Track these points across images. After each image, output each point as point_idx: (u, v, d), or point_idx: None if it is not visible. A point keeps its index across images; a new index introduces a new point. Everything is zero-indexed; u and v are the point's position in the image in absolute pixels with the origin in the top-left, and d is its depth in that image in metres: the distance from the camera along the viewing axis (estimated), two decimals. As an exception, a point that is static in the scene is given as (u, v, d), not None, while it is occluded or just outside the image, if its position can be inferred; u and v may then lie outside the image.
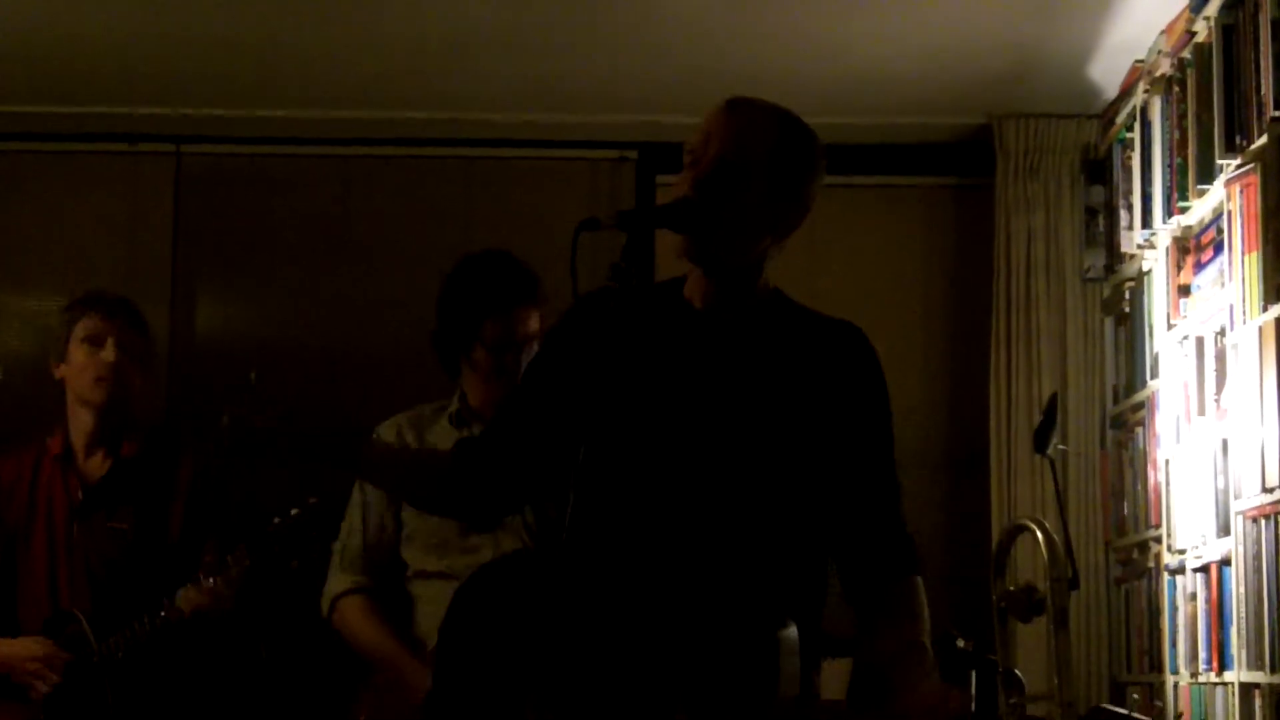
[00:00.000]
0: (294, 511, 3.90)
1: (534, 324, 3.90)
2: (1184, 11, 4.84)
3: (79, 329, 4.19)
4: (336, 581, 3.96)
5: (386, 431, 4.00)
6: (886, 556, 2.82)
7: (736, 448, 2.80)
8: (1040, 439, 4.09)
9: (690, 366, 2.88)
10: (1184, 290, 4.89)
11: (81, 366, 4.19)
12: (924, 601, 2.75)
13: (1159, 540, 5.04)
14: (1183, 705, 4.76)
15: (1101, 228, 5.77)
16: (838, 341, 2.90)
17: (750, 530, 2.77)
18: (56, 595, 4.15)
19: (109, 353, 4.16)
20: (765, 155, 2.84)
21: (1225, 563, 4.44)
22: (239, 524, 4.09)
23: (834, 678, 3.16)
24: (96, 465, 4.25)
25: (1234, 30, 4.45)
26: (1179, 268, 4.94)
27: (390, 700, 3.76)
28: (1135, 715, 2.96)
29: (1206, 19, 4.64)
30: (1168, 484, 4.97)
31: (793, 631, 2.52)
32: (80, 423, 4.24)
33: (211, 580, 3.96)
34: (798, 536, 2.82)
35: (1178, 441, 4.88)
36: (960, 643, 3.65)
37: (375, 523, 3.95)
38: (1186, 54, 4.83)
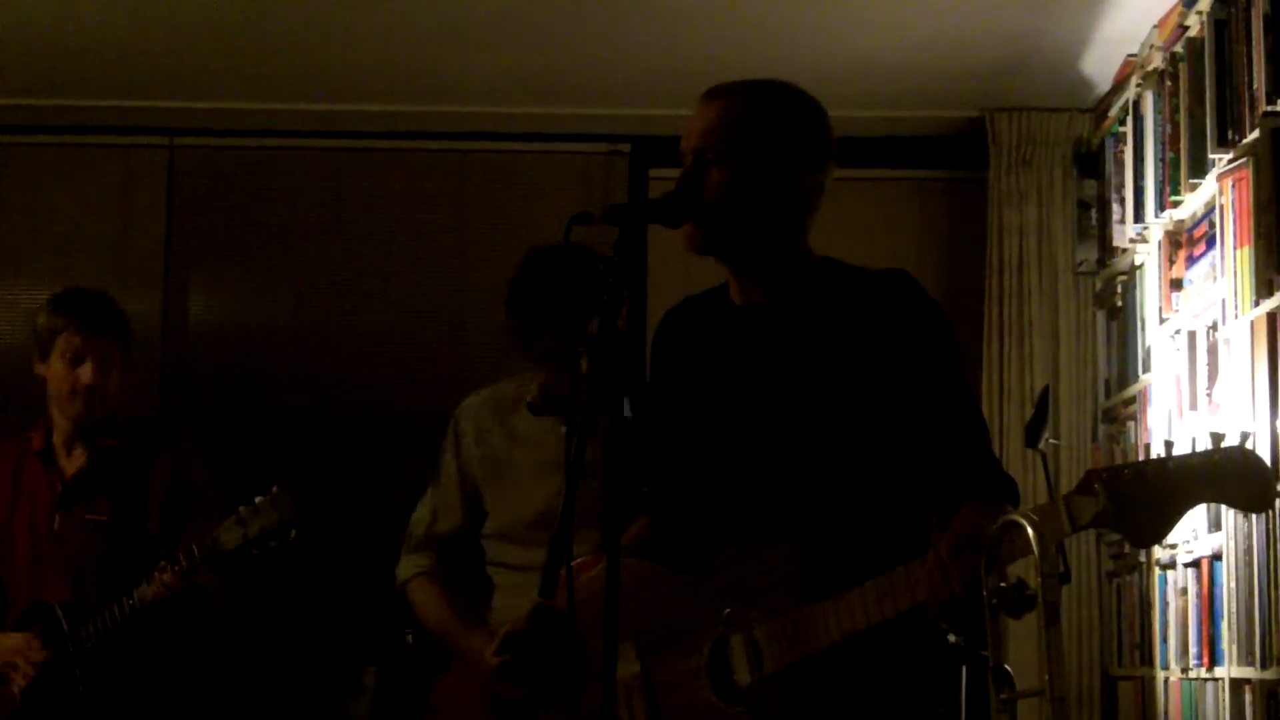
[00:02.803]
0: (258, 500, 3.89)
1: None
2: (1177, 5, 4.84)
3: (60, 343, 4.23)
4: (403, 566, 4.02)
5: (467, 419, 4.03)
6: (967, 490, 2.73)
7: (799, 426, 2.80)
8: (1032, 433, 4.10)
9: (738, 361, 2.88)
10: (1176, 284, 4.90)
11: (60, 378, 4.25)
12: (995, 516, 2.61)
13: (1150, 534, 5.03)
14: (1174, 700, 4.76)
15: (1094, 221, 5.78)
16: (883, 294, 2.84)
17: (834, 503, 2.78)
18: (39, 587, 4.18)
19: (86, 373, 4.21)
20: (740, 134, 2.81)
21: (1216, 557, 4.44)
22: (216, 511, 4.09)
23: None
24: (77, 459, 4.29)
25: (1226, 24, 4.46)
26: (1171, 261, 4.95)
27: (465, 683, 3.79)
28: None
29: (1199, 13, 4.64)
30: (1159, 478, 4.96)
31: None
32: (60, 424, 4.30)
33: (166, 574, 3.97)
34: (887, 495, 2.81)
35: (1169, 435, 4.89)
36: (951, 638, 3.65)
37: (444, 511, 4.00)
38: (1179, 48, 4.83)
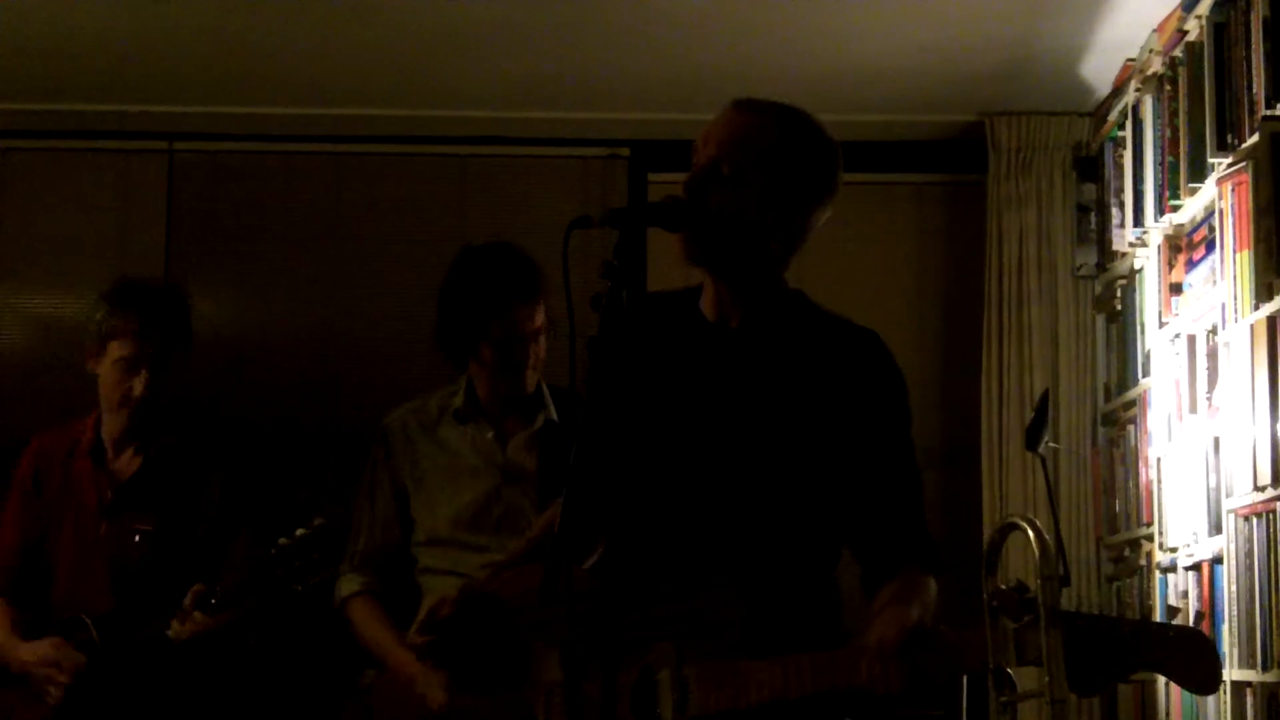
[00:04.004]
0: (299, 533, 3.83)
1: (539, 318, 3.96)
2: (1176, 10, 4.84)
3: (114, 347, 4.09)
4: (345, 583, 4.07)
5: (395, 431, 4.07)
6: (896, 555, 2.81)
7: (743, 459, 2.82)
8: (1032, 436, 4.10)
9: (698, 382, 2.88)
10: (1175, 288, 4.90)
11: (112, 385, 4.11)
12: (924, 595, 2.74)
13: (1151, 538, 5.04)
14: (1174, 704, 4.76)
15: (1093, 225, 5.78)
16: (852, 350, 2.89)
17: (760, 535, 2.80)
18: (83, 593, 4.10)
19: (140, 385, 4.08)
20: (759, 157, 2.83)
21: (1217, 561, 4.44)
22: (270, 519, 4.07)
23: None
24: (126, 462, 4.20)
25: (1225, 29, 4.46)
26: (1170, 265, 4.95)
27: (396, 692, 3.81)
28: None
29: (1198, 17, 4.64)
30: (1159, 481, 4.97)
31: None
32: (110, 422, 4.19)
33: (198, 614, 3.92)
34: (809, 538, 2.84)
35: (1169, 439, 4.89)
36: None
37: (380, 527, 4.04)
38: (1178, 52, 4.84)
